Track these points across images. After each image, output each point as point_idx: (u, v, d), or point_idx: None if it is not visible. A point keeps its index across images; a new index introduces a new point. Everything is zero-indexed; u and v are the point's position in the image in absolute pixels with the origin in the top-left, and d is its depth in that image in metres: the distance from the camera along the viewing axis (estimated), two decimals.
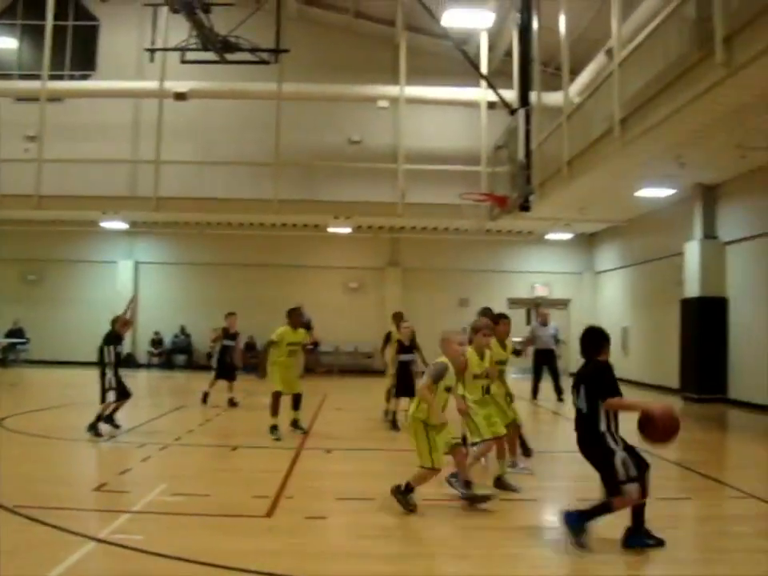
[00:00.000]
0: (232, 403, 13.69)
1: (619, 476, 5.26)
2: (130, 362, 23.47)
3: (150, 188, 21.14)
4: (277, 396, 10.39)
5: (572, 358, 23.06)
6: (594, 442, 5.45)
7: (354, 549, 5.51)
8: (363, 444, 10.23)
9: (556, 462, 9.41)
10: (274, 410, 10.34)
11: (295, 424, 10.76)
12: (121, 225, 22.99)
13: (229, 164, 22.75)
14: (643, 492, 5.35)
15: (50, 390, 17.27)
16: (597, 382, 5.44)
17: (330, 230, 22.31)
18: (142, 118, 23.77)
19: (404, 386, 11.22)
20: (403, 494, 6.39)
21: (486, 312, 8.96)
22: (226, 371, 13.94)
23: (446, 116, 23.50)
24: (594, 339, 5.67)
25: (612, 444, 5.36)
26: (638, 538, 5.47)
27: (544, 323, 16.26)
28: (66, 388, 15.67)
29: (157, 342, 23.85)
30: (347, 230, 22.42)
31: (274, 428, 10.20)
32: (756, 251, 15.41)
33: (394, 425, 11.34)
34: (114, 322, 10.72)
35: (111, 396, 10.18)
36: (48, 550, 5.17)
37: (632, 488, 5.27)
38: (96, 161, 21.73)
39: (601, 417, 5.39)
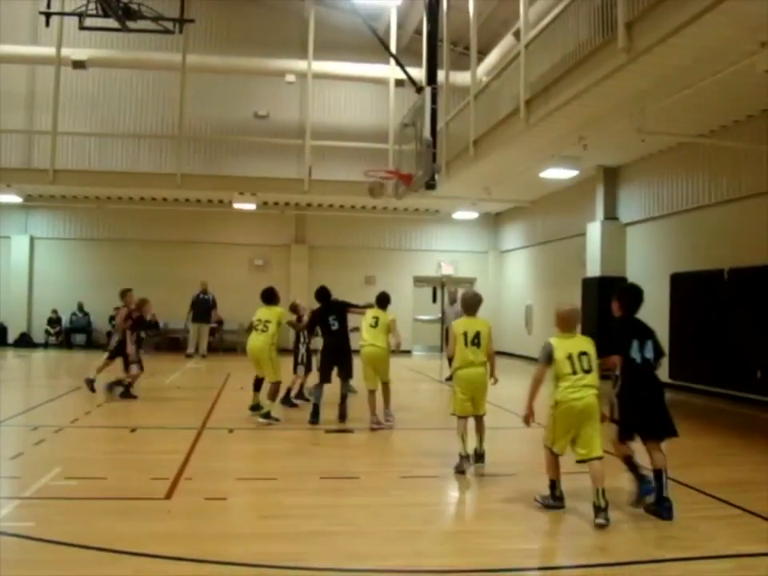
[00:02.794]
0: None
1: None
2: (25, 341, 22.70)
3: (46, 160, 20.36)
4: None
5: None
6: (660, 389, 6.12)
7: (255, 529, 5.49)
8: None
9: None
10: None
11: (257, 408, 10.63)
12: (14, 198, 22.00)
13: (130, 137, 22.14)
14: None
15: None
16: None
17: (235, 206, 21.99)
18: (37, 87, 22.80)
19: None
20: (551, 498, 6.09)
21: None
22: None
23: (354, 92, 23.48)
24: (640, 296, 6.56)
25: None
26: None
27: (453, 301, 16.43)
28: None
29: (54, 320, 23.03)
30: (252, 207, 22.14)
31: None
32: (654, 232, 15.98)
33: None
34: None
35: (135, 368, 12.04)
36: None
37: None
38: None
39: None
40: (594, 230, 17.21)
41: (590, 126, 12.46)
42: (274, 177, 21.10)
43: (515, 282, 23.66)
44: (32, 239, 23.57)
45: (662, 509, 5.73)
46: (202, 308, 21.05)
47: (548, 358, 6.05)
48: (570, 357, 6.01)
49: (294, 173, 21.32)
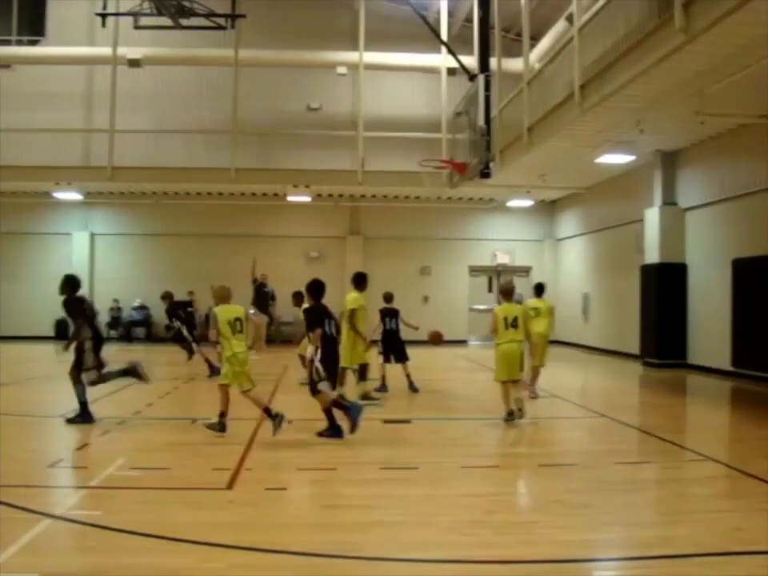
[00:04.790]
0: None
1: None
2: None
3: (104, 158, 20.76)
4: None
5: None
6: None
7: (316, 519, 5.52)
8: (322, 414, 10.21)
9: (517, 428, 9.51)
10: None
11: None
12: (75, 195, 22.55)
13: (185, 132, 22.41)
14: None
15: (5, 366, 16.95)
16: None
17: (290, 198, 22.13)
18: (95, 86, 23.26)
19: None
20: None
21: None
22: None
23: (406, 82, 23.37)
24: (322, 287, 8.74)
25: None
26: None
27: None
28: (20, 364, 15.39)
29: (117, 310, 23.55)
30: (307, 199, 22.25)
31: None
32: (714, 217, 15.61)
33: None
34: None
35: None
36: (3, 528, 5.08)
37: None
38: (48, 130, 21.26)
39: None
40: (653, 216, 16.89)
41: (646, 109, 12.20)
42: (327, 169, 21.17)
43: (571, 271, 23.36)
44: (92, 236, 24.11)
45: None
46: (263, 299, 21.21)
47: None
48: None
49: (347, 164, 21.35)
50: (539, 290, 12.34)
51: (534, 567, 4.61)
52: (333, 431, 8.26)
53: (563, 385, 13.28)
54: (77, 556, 4.69)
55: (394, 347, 12.27)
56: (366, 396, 10.84)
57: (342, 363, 10.23)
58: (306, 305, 11.49)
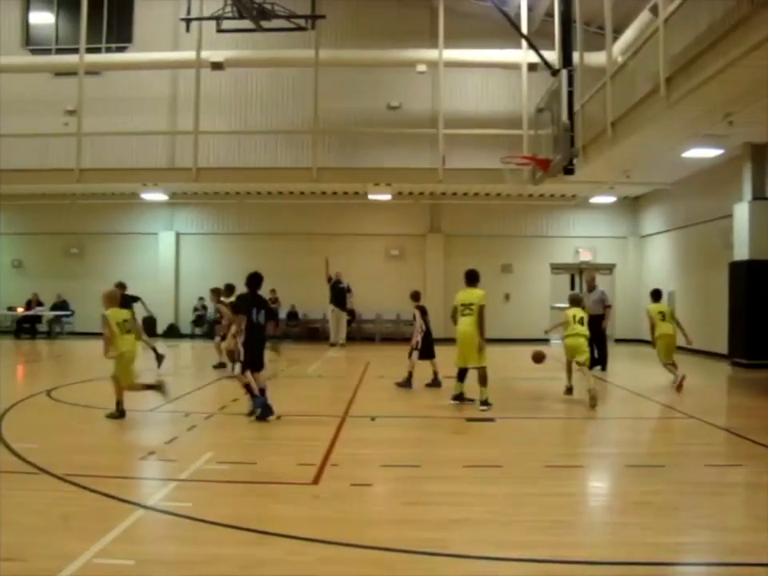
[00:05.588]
0: None
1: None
2: (173, 332, 23.85)
3: (189, 159, 21.28)
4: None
5: (618, 323, 22.93)
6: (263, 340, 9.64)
7: (401, 515, 5.55)
8: (407, 411, 10.27)
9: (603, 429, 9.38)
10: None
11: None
12: (161, 196, 23.20)
13: (267, 133, 22.83)
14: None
15: (95, 362, 17.47)
16: None
17: (371, 197, 22.24)
18: (179, 89, 23.92)
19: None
20: None
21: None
22: None
23: (486, 79, 23.25)
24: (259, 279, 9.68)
25: None
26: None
27: (591, 288, 15.92)
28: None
29: (202, 308, 24.09)
30: (387, 197, 22.33)
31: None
32: None
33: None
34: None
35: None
36: (100, 516, 5.29)
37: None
38: (135, 133, 22.00)
39: None
40: (742, 211, 16.36)
41: (736, 101, 11.82)
42: (408, 167, 21.20)
43: (656, 268, 22.82)
44: (177, 235, 24.73)
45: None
46: (339, 295, 21.49)
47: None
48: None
49: (427, 162, 21.33)
50: (658, 295, 13.35)
51: (624, 569, 4.54)
52: (257, 407, 9.33)
53: (649, 384, 13.00)
54: (169, 545, 4.84)
55: (431, 344, 12.48)
56: (460, 396, 10.64)
57: (473, 363, 10.21)
58: (225, 299, 12.85)
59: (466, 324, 10.21)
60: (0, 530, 4.99)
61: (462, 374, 10.51)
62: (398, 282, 23.66)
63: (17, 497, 5.77)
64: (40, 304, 23.70)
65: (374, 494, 6.20)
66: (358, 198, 23.17)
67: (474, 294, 10.37)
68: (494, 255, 23.65)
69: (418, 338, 12.30)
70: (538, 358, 11.42)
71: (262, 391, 9.39)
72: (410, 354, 12.42)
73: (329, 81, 21.79)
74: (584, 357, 11.04)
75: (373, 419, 9.46)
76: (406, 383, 12.23)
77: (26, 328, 23.61)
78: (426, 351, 12.33)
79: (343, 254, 23.09)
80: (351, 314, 22.39)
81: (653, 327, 12.90)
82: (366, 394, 11.93)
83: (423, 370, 12.24)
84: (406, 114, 23.39)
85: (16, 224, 24.91)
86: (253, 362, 9.31)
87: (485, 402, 10.10)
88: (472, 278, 10.55)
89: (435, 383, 12.27)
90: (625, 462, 7.19)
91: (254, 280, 9.56)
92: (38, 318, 23.67)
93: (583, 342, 11.13)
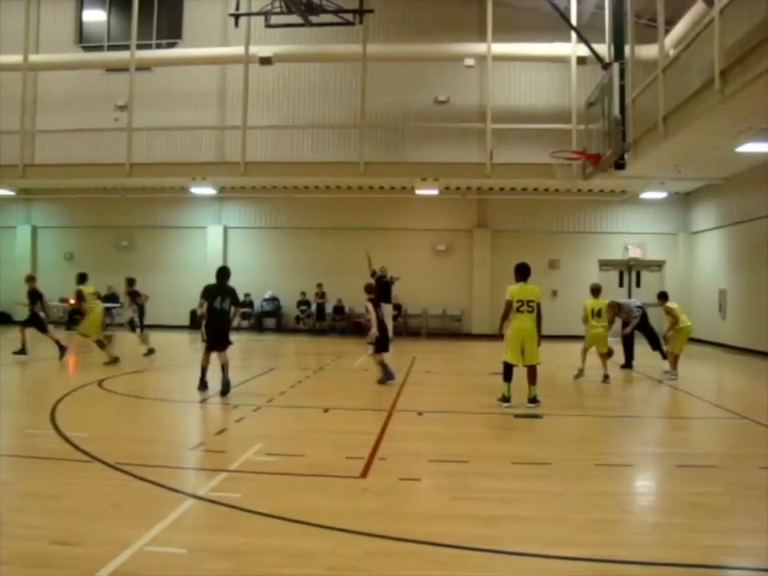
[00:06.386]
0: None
1: None
2: None
3: (237, 153, 21.47)
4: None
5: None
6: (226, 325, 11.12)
7: (449, 510, 5.54)
8: (454, 406, 10.25)
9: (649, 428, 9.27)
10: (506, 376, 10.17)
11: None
12: (209, 190, 23.45)
13: (314, 128, 22.94)
14: None
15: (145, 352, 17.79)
16: None
17: (418, 192, 22.20)
18: (228, 84, 24.19)
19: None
20: None
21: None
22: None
23: (535, 73, 23.07)
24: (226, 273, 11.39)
25: None
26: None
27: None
28: (158, 351, 16.13)
29: (247, 305, 24.28)
30: (434, 192, 22.27)
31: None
32: None
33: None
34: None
35: None
36: (151, 505, 5.39)
37: None
38: (185, 128, 22.31)
39: None
40: None
41: None
42: (455, 162, 21.14)
43: (707, 265, 22.42)
44: (225, 229, 25.01)
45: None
46: (384, 289, 21.41)
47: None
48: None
49: (475, 157, 21.25)
50: (666, 296, 13.99)
51: (675, 571, 4.48)
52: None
53: (700, 384, 12.81)
54: (219, 535, 4.89)
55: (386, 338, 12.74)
56: (507, 398, 10.19)
57: (533, 361, 10.04)
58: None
59: (527, 320, 10.01)
60: (57, 515, 5.13)
61: (509, 372, 10.19)
62: (445, 277, 23.71)
63: (71, 484, 5.92)
64: None
65: (422, 489, 6.20)
66: (405, 192, 23.16)
67: (534, 291, 10.18)
68: (541, 251, 23.45)
69: (375, 331, 12.26)
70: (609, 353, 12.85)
71: (204, 370, 10.90)
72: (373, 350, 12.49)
73: (376, 75, 21.83)
74: (605, 348, 12.87)
75: (420, 414, 9.46)
76: (388, 375, 12.15)
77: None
78: (383, 345, 12.36)
79: (390, 249, 23.10)
80: (397, 308, 22.39)
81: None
82: (413, 388, 11.94)
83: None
84: (453, 108, 23.31)
85: (68, 217, 25.49)
86: (209, 341, 10.83)
87: (533, 400, 10.01)
88: (526, 272, 10.32)
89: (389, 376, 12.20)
90: (675, 462, 7.09)
91: (221, 273, 11.31)
92: None
93: (603, 334, 12.95)
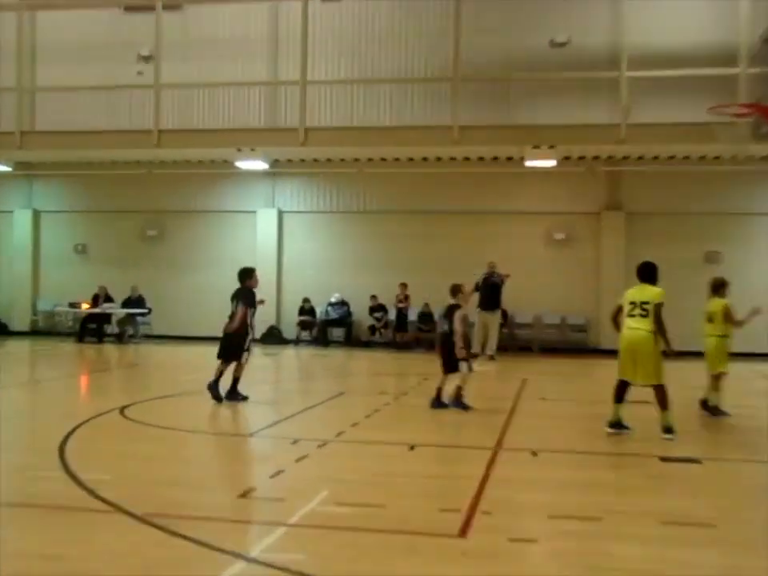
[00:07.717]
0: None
1: None
2: (275, 336, 24.23)
3: (294, 117, 21.51)
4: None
5: None
6: None
7: None
8: (579, 445, 10.08)
9: None
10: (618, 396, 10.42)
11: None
12: (260, 164, 23.62)
13: (394, 82, 22.90)
14: None
15: (178, 372, 18.07)
16: None
17: (528, 163, 22.01)
18: (281, 28, 24.18)
19: None
20: None
21: None
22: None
23: (686, 3, 22.51)
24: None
25: None
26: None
27: None
28: (196, 370, 16.30)
29: (307, 312, 24.35)
30: (551, 163, 22.02)
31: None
32: None
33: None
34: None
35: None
36: (191, 569, 5.38)
37: None
38: (227, 84, 22.50)
39: None
40: None
41: None
42: (578, 123, 20.78)
43: None
44: (280, 213, 25.19)
45: None
46: (491, 293, 21.04)
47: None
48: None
49: (605, 117, 20.85)
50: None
51: None
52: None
53: None
54: None
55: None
56: (618, 424, 10.36)
57: (648, 380, 10.12)
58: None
59: (637, 327, 10.06)
60: None
61: (621, 392, 10.31)
62: (564, 275, 23.42)
63: (85, 541, 5.94)
64: (109, 299, 24.36)
65: (540, 554, 6.05)
66: (512, 165, 23.00)
67: (652, 292, 10.19)
68: (694, 240, 22.98)
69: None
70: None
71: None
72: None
73: (473, 11, 21.61)
74: (716, 367, 12.51)
75: (534, 454, 9.33)
76: (458, 403, 12.39)
77: (91, 329, 24.39)
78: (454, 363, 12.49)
79: (492, 239, 22.99)
80: (504, 315, 22.14)
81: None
82: (524, 420, 11.84)
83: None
84: (575, 52, 22.90)
85: (79, 200, 26.00)
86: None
87: (668, 430, 10.03)
88: (646, 274, 10.40)
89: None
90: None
91: (239, 275, 12.81)
92: (106, 318, 24.46)
93: (716, 345, 12.95)
